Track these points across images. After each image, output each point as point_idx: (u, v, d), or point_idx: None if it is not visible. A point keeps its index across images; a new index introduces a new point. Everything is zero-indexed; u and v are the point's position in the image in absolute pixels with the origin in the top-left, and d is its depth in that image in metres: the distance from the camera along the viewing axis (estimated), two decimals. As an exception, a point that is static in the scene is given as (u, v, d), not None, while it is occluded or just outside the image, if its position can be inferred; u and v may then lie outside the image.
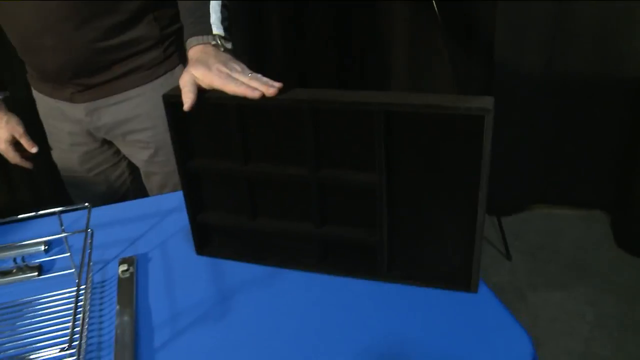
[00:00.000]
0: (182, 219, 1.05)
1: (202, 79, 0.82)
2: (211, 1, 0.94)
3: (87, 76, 1.14)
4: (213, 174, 0.92)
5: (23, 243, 1.04)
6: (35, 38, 1.09)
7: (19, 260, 0.99)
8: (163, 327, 0.84)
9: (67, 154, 1.30)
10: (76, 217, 1.13)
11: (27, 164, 1.20)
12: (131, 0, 1.10)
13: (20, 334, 0.83)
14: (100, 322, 0.87)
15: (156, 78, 1.19)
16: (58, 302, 0.88)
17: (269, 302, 0.87)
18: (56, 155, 1.32)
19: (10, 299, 0.91)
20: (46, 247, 1.03)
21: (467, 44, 2.29)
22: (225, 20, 0.92)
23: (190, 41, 0.91)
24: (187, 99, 0.81)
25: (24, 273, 0.98)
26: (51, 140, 1.31)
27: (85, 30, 1.08)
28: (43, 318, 0.85)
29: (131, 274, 0.95)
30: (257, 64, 2.32)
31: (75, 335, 0.75)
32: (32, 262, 1.01)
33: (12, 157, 1.18)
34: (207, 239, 0.99)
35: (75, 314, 0.77)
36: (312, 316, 0.84)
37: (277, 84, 0.80)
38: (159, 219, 1.10)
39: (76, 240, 1.01)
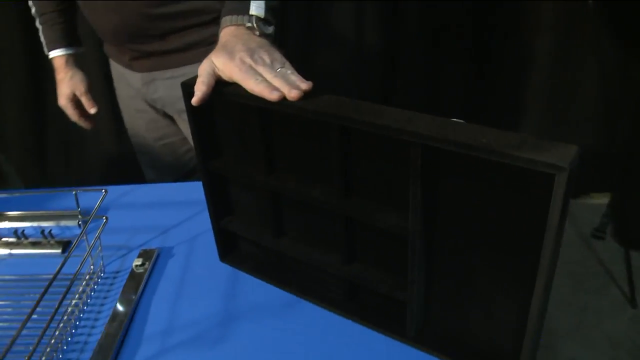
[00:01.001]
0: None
1: (222, 69, 0.69)
2: None
3: (141, 43, 1.07)
4: (238, 177, 0.79)
5: (58, 213, 1.00)
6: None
7: (47, 233, 0.95)
8: (153, 340, 0.75)
9: (134, 120, 1.25)
10: (122, 192, 1.07)
11: (86, 124, 1.17)
12: None
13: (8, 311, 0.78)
14: (96, 319, 0.79)
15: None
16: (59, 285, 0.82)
17: (279, 335, 0.74)
18: (126, 119, 1.28)
19: (25, 271, 0.87)
20: (80, 223, 0.97)
21: (624, 34, 1.93)
22: (270, 0, 0.77)
23: (224, 20, 0.77)
24: (198, 92, 0.68)
25: (48, 247, 0.93)
26: (121, 103, 1.27)
27: None
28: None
29: (145, 269, 0.86)
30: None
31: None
32: (62, 237, 0.96)
33: (72, 114, 1.15)
34: (233, 246, 0.87)
35: (57, 309, 0.69)
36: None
37: (305, 86, 0.65)
38: (200, 209, 1.01)
39: (116, 220, 0.95)
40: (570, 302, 1.79)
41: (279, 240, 0.80)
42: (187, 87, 0.72)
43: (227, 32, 0.75)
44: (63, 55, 1.16)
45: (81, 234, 0.80)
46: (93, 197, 0.88)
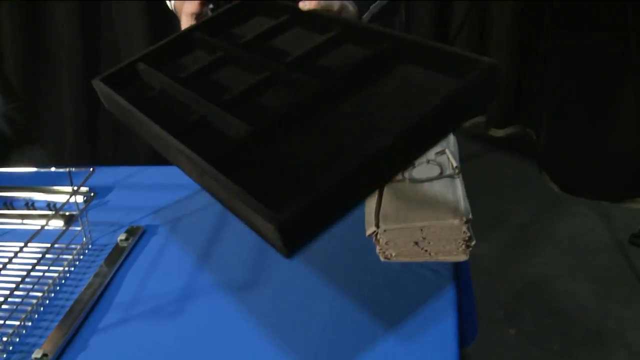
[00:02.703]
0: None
1: None
2: None
3: None
4: None
5: (63, 189, 1.10)
6: None
7: (51, 206, 1.05)
8: (119, 309, 0.83)
9: None
10: (128, 173, 1.16)
11: None
12: None
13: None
14: (76, 286, 0.88)
15: None
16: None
17: (234, 314, 0.80)
18: None
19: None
20: (85, 198, 1.06)
21: None
22: None
23: None
24: None
25: (52, 219, 1.03)
26: None
27: None
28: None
29: (128, 244, 0.94)
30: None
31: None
32: (68, 210, 1.05)
33: None
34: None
35: (29, 272, 0.79)
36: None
37: None
38: (191, 193, 1.08)
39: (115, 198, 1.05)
40: (593, 308, 1.75)
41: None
42: None
43: None
44: None
45: (80, 213, 0.89)
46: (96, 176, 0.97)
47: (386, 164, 0.54)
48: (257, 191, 0.51)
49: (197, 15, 0.94)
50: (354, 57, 0.71)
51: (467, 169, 0.96)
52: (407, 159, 0.60)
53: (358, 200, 0.54)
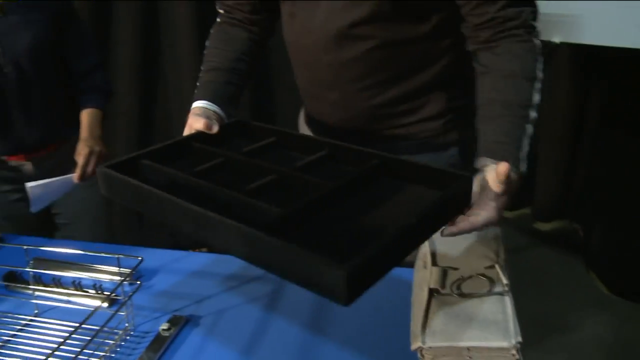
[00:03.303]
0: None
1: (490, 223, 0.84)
2: (528, 134, 0.91)
3: (359, 133, 1.13)
4: None
5: (109, 269, 1.12)
6: (321, 88, 1.13)
7: (97, 286, 1.06)
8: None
9: None
10: (173, 258, 1.18)
11: None
12: (426, 70, 1.07)
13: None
14: (115, 375, 0.88)
15: (425, 152, 1.12)
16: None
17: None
18: None
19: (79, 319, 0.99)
20: (130, 283, 1.07)
21: None
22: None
23: (491, 161, 0.87)
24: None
25: (95, 299, 1.05)
26: None
27: (372, 93, 1.08)
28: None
29: (170, 334, 0.94)
30: None
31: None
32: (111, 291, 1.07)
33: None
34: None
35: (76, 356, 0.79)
36: None
37: None
38: (236, 284, 1.08)
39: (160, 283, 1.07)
40: None
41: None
42: None
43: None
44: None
45: (126, 301, 0.90)
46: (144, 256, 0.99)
47: (409, 239, 0.72)
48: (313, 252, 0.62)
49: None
50: (347, 170, 0.90)
51: (511, 262, 0.95)
52: (418, 241, 0.78)
53: (396, 262, 0.68)
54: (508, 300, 0.87)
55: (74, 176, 1.38)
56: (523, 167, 0.89)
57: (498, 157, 0.87)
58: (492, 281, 0.90)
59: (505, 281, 0.89)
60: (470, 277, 0.92)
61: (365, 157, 0.89)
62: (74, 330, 0.81)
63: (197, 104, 1.09)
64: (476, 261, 0.95)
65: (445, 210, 0.80)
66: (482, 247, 0.98)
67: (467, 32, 0.98)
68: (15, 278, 1.12)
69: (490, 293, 0.88)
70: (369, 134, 1.13)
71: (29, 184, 1.33)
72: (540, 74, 0.93)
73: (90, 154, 1.41)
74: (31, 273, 1.04)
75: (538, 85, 0.93)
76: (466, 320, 0.84)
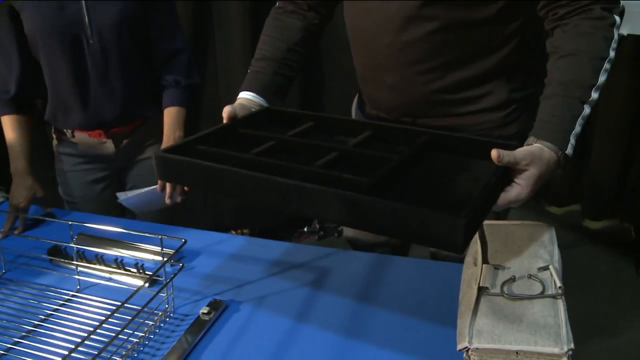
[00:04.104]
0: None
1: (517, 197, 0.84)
2: (582, 115, 0.88)
3: (414, 117, 1.11)
4: None
5: (151, 249, 1.12)
6: (379, 72, 1.10)
7: (139, 265, 1.06)
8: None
9: None
10: (218, 240, 1.17)
11: None
12: (489, 57, 1.03)
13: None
14: (154, 355, 0.87)
15: None
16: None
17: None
18: None
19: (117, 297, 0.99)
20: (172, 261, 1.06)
21: None
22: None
23: (534, 140, 0.87)
24: None
25: (137, 278, 1.05)
26: None
27: (431, 77, 1.04)
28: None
29: (210, 318, 0.93)
30: None
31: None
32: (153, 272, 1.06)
33: None
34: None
35: (116, 336, 0.79)
36: None
37: None
38: (278, 270, 1.06)
39: (201, 265, 1.07)
40: None
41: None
42: None
43: (544, 159, 0.84)
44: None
45: (167, 283, 0.89)
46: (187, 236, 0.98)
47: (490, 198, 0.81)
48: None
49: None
50: (397, 148, 0.95)
51: (558, 259, 0.91)
52: (491, 205, 0.82)
53: (484, 217, 0.80)
54: (561, 304, 0.83)
55: (158, 189, 1.38)
56: (569, 149, 0.87)
57: (543, 137, 0.86)
58: (544, 284, 0.86)
59: (559, 284, 0.84)
60: (521, 277, 0.87)
61: (412, 133, 0.94)
62: (115, 310, 0.81)
63: (244, 95, 1.07)
64: (528, 261, 0.90)
65: (505, 177, 0.84)
66: (535, 247, 0.93)
67: (544, 11, 0.95)
68: (59, 253, 1.13)
69: (542, 295, 0.84)
70: (424, 121, 1.10)
71: (121, 197, 1.39)
72: (611, 53, 0.90)
73: None
74: (75, 249, 1.04)
75: (606, 65, 0.89)
76: (515, 322, 0.80)
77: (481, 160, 0.88)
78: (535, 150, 0.85)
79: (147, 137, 1.49)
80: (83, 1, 1.28)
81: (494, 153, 0.80)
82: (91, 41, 1.31)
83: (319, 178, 0.77)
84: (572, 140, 0.88)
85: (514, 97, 1.06)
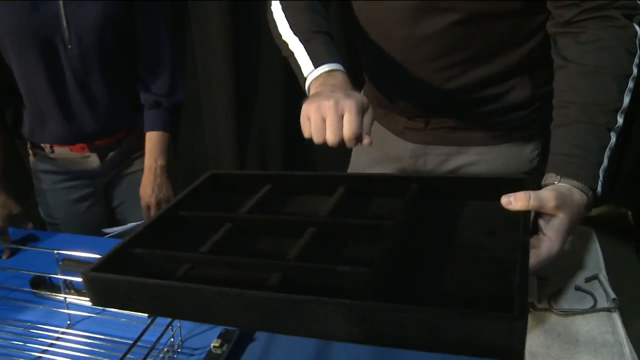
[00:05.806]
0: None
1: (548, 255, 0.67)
2: (609, 146, 0.73)
3: (428, 117, 1.02)
4: None
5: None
6: (390, 69, 0.98)
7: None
8: None
9: None
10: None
11: None
12: (513, 52, 0.91)
13: None
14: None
15: (505, 142, 1.01)
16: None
17: None
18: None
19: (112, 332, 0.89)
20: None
21: None
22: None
23: (555, 177, 0.72)
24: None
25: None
26: (353, 168, 1.22)
27: (448, 75, 0.94)
28: None
29: (222, 352, 0.83)
30: None
31: None
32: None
33: None
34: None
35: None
36: None
37: None
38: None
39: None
40: None
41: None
42: None
43: (575, 203, 0.69)
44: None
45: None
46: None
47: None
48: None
49: None
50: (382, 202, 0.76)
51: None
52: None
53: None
54: (617, 318, 0.75)
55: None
56: (598, 186, 0.71)
57: (568, 174, 0.71)
58: (594, 296, 0.78)
59: (613, 296, 0.77)
60: (568, 289, 0.79)
61: (395, 182, 0.76)
62: (127, 350, 0.70)
63: (333, 67, 0.86)
64: (573, 271, 0.82)
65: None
66: (578, 254, 0.85)
67: (550, 9, 0.83)
68: (43, 283, 1.02)
69: (594, 309, 0.76)
70: (438, 121, 1.01)
71: (109, 233, 1.25)
72: (635, 70, 0.75)
73: (157, 203, 1.31)
74: (61, 279, 0.93)
75: (630, 84, 0.75)
76: (571, 341, 0.72)
77: (483, 201, 0.71)
78: (564, 191, 0.69)
79: (134, 148, 1.38)
80: (60, 1, 1.15)
81: (504, 201, 0.66)
82: (69, 46, 1.18)
83: (304, 276, 0.60)
84: (601, 176, 0.72)
85: (537, 94, 0.96)
